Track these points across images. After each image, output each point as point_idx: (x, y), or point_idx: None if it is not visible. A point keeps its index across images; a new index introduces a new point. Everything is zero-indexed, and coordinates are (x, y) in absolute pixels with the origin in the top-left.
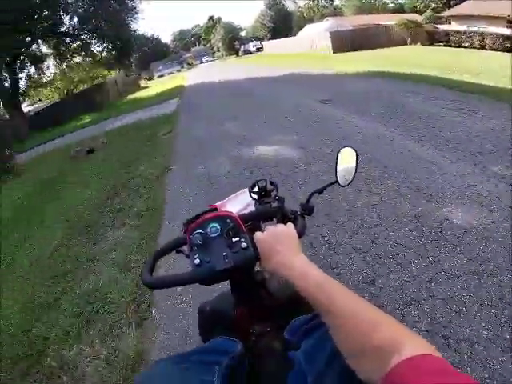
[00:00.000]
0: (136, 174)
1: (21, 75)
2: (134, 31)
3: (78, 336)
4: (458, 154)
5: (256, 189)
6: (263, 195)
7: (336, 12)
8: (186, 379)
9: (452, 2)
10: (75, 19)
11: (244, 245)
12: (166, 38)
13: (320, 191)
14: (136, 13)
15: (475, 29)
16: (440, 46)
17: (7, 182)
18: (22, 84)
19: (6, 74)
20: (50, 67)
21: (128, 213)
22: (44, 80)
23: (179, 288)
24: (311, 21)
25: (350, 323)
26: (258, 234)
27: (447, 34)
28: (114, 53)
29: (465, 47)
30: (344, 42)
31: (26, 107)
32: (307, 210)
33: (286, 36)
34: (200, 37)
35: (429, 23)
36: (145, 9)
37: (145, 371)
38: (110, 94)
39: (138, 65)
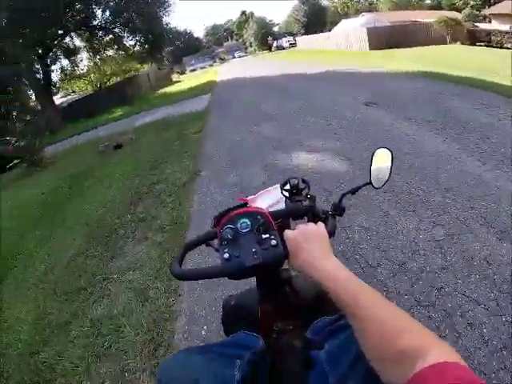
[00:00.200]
0: (162, 178)
1: (54, 67)
2: (166, 25)
3: (87, 372)
4: None
5: (288, 186)
6: (295, 193)
7: (371, 8)
8: (208, 370)
9: (492, 0)
10: (107, 13)
11: (274, 242)
12: (199, 33)
13: (353, 192)
14: (168, 6)
15: None
16: (481, 45)
17: (33, 174)
18: (56, 76)
19: (39, 66)
20: (84, 60)
21: (150, 224)
22: (77, 72)
23: (203, 331)
24: (345, 16)
25: (375, 327)
26: (288, 232)
27: (488, 33)
28: (146, 46)
29: (507, 48)
30: (381, 39)
31: (59, 98)
32: (338, 210)
33: (320, 32)
34: (232, 32)
35: (468, 21)
36: (177, 3)
37: (168, 359)
38: (142, 87)
39: (171, 59)
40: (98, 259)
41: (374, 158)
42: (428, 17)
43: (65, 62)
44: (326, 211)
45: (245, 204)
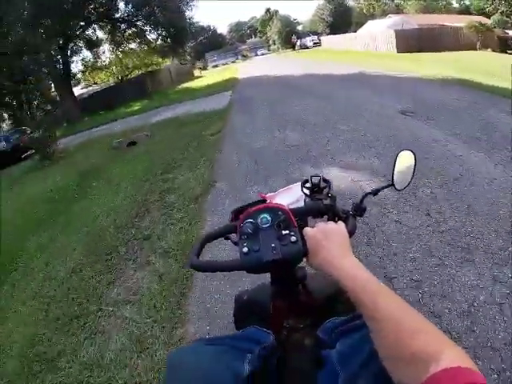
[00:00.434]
0: (173, 187)
1: (75, 58)
2: (189, 19)
3: None
4: None
5: (309, 184)
6: (315, 191)
7: (398, 10)
8: (218, 361)
9: None
10: (129, 5)
11: (293, 238)
12: (223, 29)
13: (374, 193)
14: (191, 0)
15: None
16: None
17: (44, 168)
18: (76, 67)
19: (59, 57)
20: (106, 52)
21: (155, 246)
22: (99, 64)
23: None
24: (371, 17)
25: (391, 328)
26: (308, 229)
27: None
28: (168, 40)
29: None
30: (409, 42)
31: (81, 89)
32: (359, 210)
33: (345, 32)
34: (256, 29)
35: (497, 27)
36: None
37: (178, 349)
38: (162, 82)
39: (193, 54)
40: (96, 281)
41: (397, 159)
42: (456, 21)
43: (87, 54)
44: (346, 211)
45: (264, 201)
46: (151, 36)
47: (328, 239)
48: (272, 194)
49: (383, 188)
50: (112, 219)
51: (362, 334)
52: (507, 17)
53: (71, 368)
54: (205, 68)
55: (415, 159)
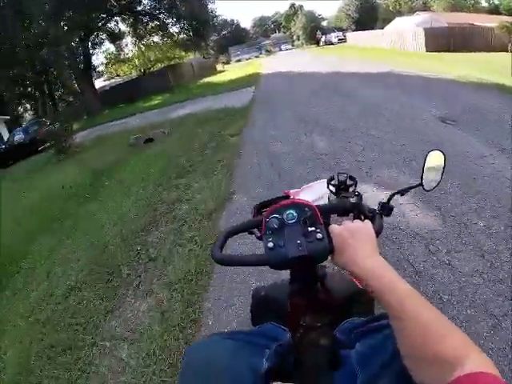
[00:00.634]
0: (185, 198)
1: (97, 51)
2: (212, 12)
3: None
4: None
5: (335, 181)
6: (341, 189)
7: (425, 7)
8: (236, 356)
9: None
10: None
11: (319, 236)
12: (246, 24)
13: (402, 193)
14: None
15: None
16: None
17: (59, 162)
18: (99, 60)
19: (80, 49)
20: (129, 45)
21: (160, 272)
22: (122, 57)
23: None
24: (398, 14)
25: (419, 331)
26: (334, 227)
27: None
28: (190, 33)
29: None
30: (439, 41)
31: (103, 81)
32: (386, 210)
33: (371, 28)
34: (280, 24)
35: None
36: None
37: (196, 342)
38: (185, 75)
39: (216, 48)
40: (94, 307)
41: (427, 159)
42: (486, 21)
43: (109, 46)
44: (373, 210)
45: (287, 197)
46: (173, 29)
47: (355, 238)
48: (296, 190)
49: (411, 188)
50: (118, 229)
51: (384, 336)
52: None
53: None
54: (228, 62)
55: (445, 160)
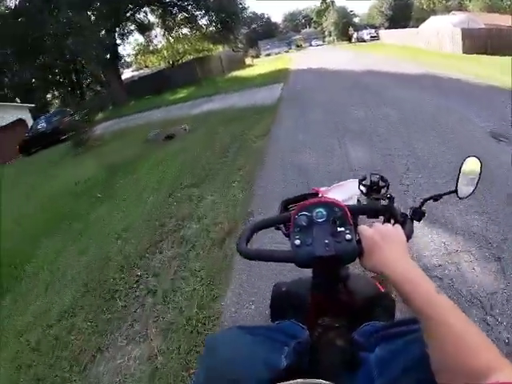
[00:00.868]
0: (196, 215)
1: (125, 41)
2: (240, 4)
3: None
4: None
5: (366, 182)
6: (373, 190)
7: (461, 7)
8: (255, 351)
9: None
10: None
11: (348, 236)
12: (277, 18)
13: (435, 199)
14: None
15: None
16: None
17: (77, 156)
18: (124, 50)
19: (107, 39)
20: (158, 36)
21: (158, 311)
22: (151, 48)
23: None
24: (432, 12)
25: (451, 341)
26: (364, 228)
27: None
28: (219, 26)
29: None
30: (477, 43)
31: (131, 72)
32: (418, 215)
33: (404, 27)
34: (311, 19)
35: None
36: None
37: (216, 334)
38: (213, 68)
39: (246, 41)
40: (83, 341)
41: (463, 165)
42: None
43: (137, 37)
44: (404, 214)
45: (316, 194)
46: (202, 21)
47: (385, 241)
48: (326, 188)
49: (445, 194)
50: (122, 244)
51: (405, 342)
52: None
53: None
54: (257, 56)
55: (481, 167)
